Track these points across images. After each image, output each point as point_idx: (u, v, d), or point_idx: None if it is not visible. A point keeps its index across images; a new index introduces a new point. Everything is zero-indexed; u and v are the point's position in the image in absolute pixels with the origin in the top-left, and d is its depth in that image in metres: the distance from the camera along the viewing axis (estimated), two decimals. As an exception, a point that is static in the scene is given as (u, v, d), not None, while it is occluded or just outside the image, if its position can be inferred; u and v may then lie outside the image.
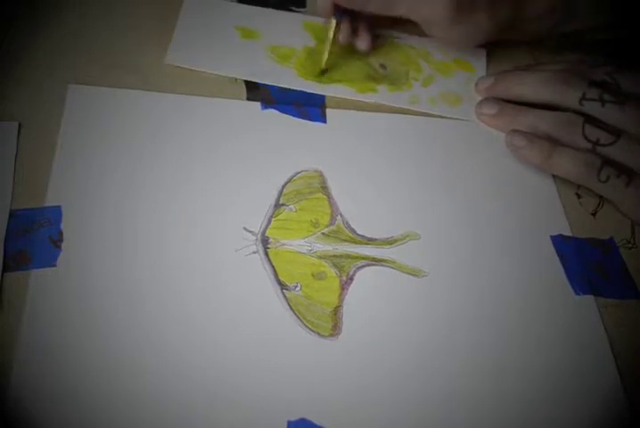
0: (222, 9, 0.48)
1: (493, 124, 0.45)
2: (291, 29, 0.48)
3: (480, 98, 0.47)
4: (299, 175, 0.40)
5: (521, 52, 0.51)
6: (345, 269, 0.37)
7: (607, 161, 0.41)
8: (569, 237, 0.42)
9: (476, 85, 0.47)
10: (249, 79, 0.44)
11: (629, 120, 0.41)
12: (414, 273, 0.38)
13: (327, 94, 0.45)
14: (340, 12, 0.44)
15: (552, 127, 0.42)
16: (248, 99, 0.43)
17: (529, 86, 0.44)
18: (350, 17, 0.45)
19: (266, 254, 0.37)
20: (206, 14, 0.47)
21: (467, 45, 0.48)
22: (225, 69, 0.44)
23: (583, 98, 0.42)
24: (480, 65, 0.50)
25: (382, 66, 0.48)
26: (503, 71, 0.47)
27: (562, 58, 0.47)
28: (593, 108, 0.42)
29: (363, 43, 0.47)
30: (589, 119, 0.42)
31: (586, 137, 0.41)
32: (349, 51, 0.47)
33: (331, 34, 0.45)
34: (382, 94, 0.46)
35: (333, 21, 0.44)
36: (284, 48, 0.47)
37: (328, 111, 0.44)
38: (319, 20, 0.48)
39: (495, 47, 0.50)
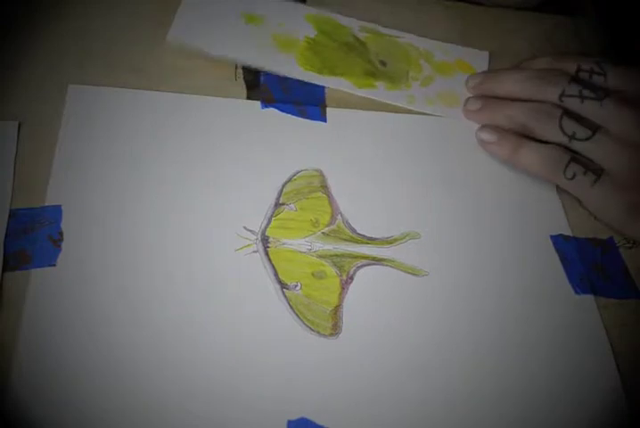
0: None
1: (477, 119, 0.45)
2: (294, 20, 0.48)
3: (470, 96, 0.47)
4: (299, 174, 0.40)
5: (525, 53, 0.50)
6: (345, 268, 0.37)
7: (574, 158, 0.41)
8: (569, 237, 0.42)
9: (466, 82, 0.47)
10: (248, 64, 0.44)
11: (606, 116, 0.41)
12: (415, 272, 0.38)
13: (326, 86, 0.45)
14: None
15: (528, 118, 0.42)
16: (248, 98, 0.43)
17: (511, 85, 0.44)
18: None
19: (267, 253, 0.37)
20: None
21: None
22: (226, 51, 0.44)
23: (562, 95, 0.42)
24: (481, 67, 0.49)
25: (383, 63, 0.48)
26: (491, 70, 0.48)
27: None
28: (573, 104, 0.42)
29: None
30: (568, 113, 0.42)
31: (562, 129, 0.41)
32: (350, 46, 0.48)
33: None
34: (381, 91, 0.46)
35: None
36: (287, 36, 0.47)
37: (328, 110, 0.44)
38: (322, 12, 0.49)
39: (498, 50, 0.50)
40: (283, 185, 0.40)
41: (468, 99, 0.46)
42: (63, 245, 0.34)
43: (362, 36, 0.49)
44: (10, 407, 0.29)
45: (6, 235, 0.34)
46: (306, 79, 0.45)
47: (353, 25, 0.49)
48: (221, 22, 0.46)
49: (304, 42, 0.47)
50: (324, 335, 0.35)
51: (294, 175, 0.40)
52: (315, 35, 0.48)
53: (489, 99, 0.45)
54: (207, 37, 0.45)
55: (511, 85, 0.44)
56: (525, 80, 0.44)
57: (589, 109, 0.41)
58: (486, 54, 0.50)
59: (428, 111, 0.46)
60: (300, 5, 0.49)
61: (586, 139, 0.41)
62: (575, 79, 0.43)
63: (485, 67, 0.50)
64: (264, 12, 0.47)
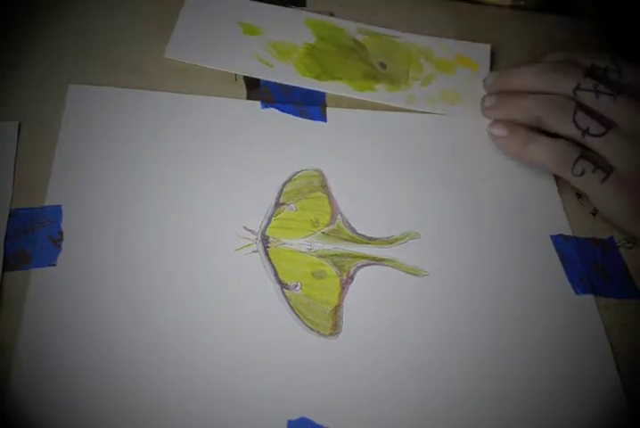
0: (225, 3, 0.48)
1: (492, 115, 0.45)
2: (293, 26, 0.48)
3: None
4: (299, 174, 0.40)
5: (526, 45, 0.50)
6: (345, 268, 0.37)
7: (584, 155, 0.41)
8: (569, 237, 0.42)
9: (483, 82, 0.47)
10: (248, 75, 0.44)
11: (620, 112, 0.41)
12: (415, 272, 0.38)
13: (326, 91, 0.45)
14: None
15: (542, 110, 0.42)
16: (248, 98, 0.43)
17: (526, 78, 0.44)
18: None
19: (267, 253, 0.37)
20: (209, 8, 0.47)
21: None
22: (225, 64, 0.44)
23: (577, 88, 0.42)
24: (483, 61, 0.49)
25: (382, 65, 0.48)
26: (507, 68, 0.47)
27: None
28: (587, 99, 0.41)
29: None
30: (582, 107, 0.41)
31: (576, 123, 0.41)
32: (350, 49, 0.48)
33: None
34: (381, 93, 0.46)
35: None
36: (285, 44, 0.47)
37: (328, 110, 0.44)
38: (321, 17, 0.49)
39: (497, 50, 0.50)
40: (284, 185, 0.40)
41: (484, 97, 0.46)
42: (63, 245, 0.34)
43: (360, 38, 0.49)
44: (10, 407, 0.29)
45: (6, 235, 0.34)
46: (305, 86, 0.45)
47: (351, 27, 0.49)
48: (219, 36, 0.46)
49: (303, 48, 0.47)
50: (324, 335, 0.35)
51: (294, 175, 0.40)
52: (315, 40, 0.47)
53: (503, 94, 0.45)
54: (205, 51, 0.45)
55: (527, 78, 0.44)
56: (540, 73, 0.43)
57: (603, 104, 0.41)
58: (487, 47, 0.50)
59: (428, 110, 0.46)
60: (299, 11, 0.49)
61: (600, 135, 0.40)
62: (590, 74, 0.42)
63: (487, 60, 0.49)
64: (262, 20, 0.47)
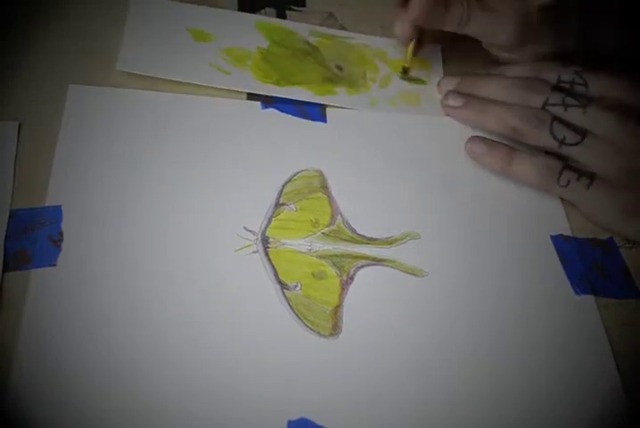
0: (171, 10, 0.46)
1: (459, 116, 0.45)
2: (244, 30, 0.47)
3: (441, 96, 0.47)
4: (300, 174, 0.41)
5: (477, 48, 0.50)
6: (345, 269, 0.37)
7: (567, 166, 0.41)
8: (569, 237, 0.42)
9: (438, 85, 0.47)
10: (205, 84, 0.43)
11: (593, 121, 0.41)
12: (415, 272, 0.38)
13: (286, 97, 0.44)
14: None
15: (520, 121, 0.42)
16: (248, 98, 0.43)
17: (492, 91, 0.44)
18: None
19: (267, 254, 0.37)
20: (156, 16, 0.45)
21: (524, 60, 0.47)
22: (179, 74, 0.43)
23: (546, 104, 0.42)
24: (436, 62, 0.49)
25: (339, 67, 0.47)
26: (467, 75, 0.47)
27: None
28: (557, 112, 0.42)
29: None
30: (557, 118, 0.42)
31: (553, 134, 0.41)
32: (304, 52, 0.47)
33: (410, 52, 0.47)
34: (341, 96, 0.45)
35: (412, 43, 0.46)
36: (239, 50, 0.45)
37: (328, 110, 0.44)
38: (270, 20, 0.48)
39: (450, 42, 0.50)
40: (284, 186, 0.40)
41: (447, 93, 0.46)
42: (63, 245, 0.34)
43: (313, 40, 0.48)
44: (10, 407, 0.29)
45: (6, 236, 0.34)
46: (265, 93, 0.44)
47: (303, 30, 0.48)
48: (169, 44, 0.44)
49: (257, 53, 0.46)
50: (324, 335, 0.35)
51: (294, 175, 0.40)
52: (268, 45, 0.46)
53: (473, 97, 0.45)
54: (157, 62, 0.43)
55: (493, 91, 0.44)
56: (507, 88, 0.44)
57: (573, 116, 0.42)
58: (438, 48, 0.50)
59: (391, 112, 0.45)
60: (247, 14, 0.48)
61: (575, 144, 0.41)
62: (557, 88, 0.43)
63: (439, 61, 0.49)
64: (211, 26, 0.46)
